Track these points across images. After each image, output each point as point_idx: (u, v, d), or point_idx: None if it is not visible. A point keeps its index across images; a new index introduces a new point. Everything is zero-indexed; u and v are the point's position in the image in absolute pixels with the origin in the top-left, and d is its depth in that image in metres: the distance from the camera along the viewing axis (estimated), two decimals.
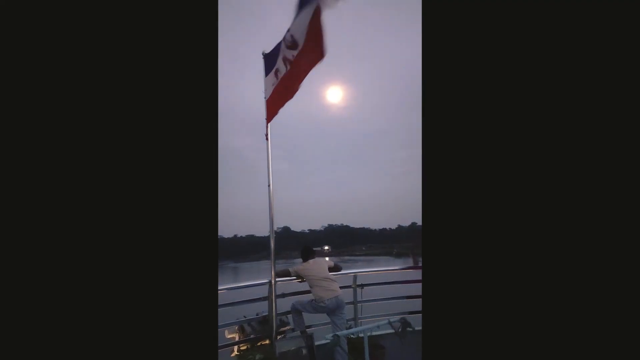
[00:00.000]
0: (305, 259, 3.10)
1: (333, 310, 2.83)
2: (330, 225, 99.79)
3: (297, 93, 2.90)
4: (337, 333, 2.51)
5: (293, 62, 2.80)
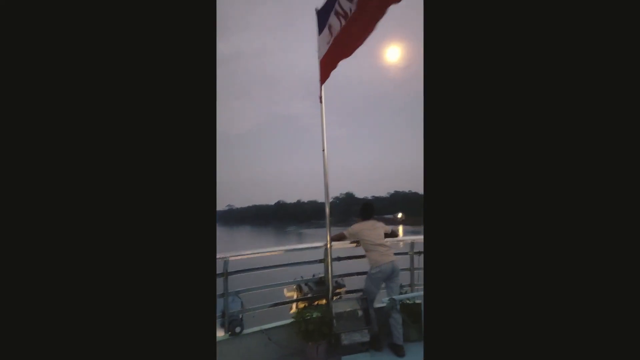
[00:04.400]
0: (364, 217, 3.19)
1: (389, 275, 2.97)
2: (396, 192, 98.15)
3: (353, 55, 2.85)
4: (393, 297, 2.66)
5: (352, 15, 2.75)
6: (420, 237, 3.72)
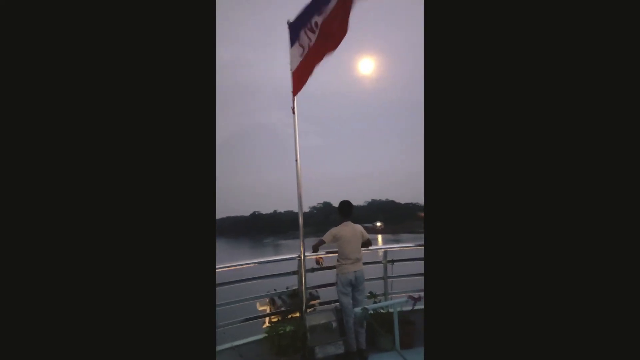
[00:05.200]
0: (343, 215, 3.16)
1: (355, 284, 3.03)
2: (373, 201, 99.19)
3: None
4: (366, 307, 2.69)
5: (321, 29, 2.84)
6: (394, 246, 3.80)
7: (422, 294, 3.08)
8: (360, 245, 3.13)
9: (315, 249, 3.12)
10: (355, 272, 3.03)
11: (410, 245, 3.86)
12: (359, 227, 3.19)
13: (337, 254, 3.11)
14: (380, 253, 3.63)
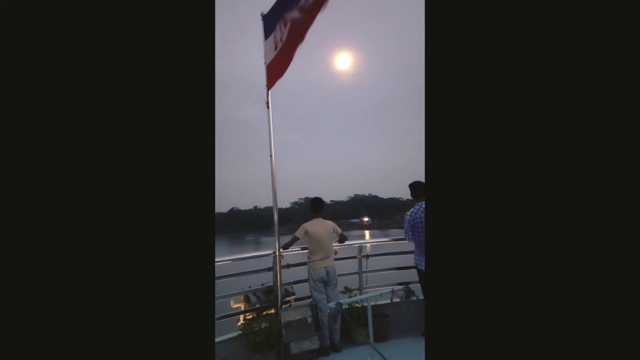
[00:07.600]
0: (315, 212, 3.32)
1: (327, 280, 3.15)
2: (356, 196, 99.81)
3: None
4: (340, 301, 2.79)
5: (293, 22, 2.88)
6: (367, 241, 3.91)
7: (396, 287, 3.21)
8: (330, 241, 3.24)
9: (286, 248, 3.22)
10: (326, 267, 3.13)
11: (384, 240, 3.98)
12: (330, 223, 3.31)
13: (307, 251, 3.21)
14: (368, 247, 3.74)
